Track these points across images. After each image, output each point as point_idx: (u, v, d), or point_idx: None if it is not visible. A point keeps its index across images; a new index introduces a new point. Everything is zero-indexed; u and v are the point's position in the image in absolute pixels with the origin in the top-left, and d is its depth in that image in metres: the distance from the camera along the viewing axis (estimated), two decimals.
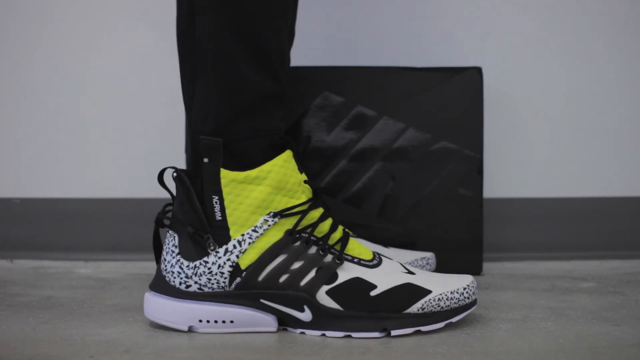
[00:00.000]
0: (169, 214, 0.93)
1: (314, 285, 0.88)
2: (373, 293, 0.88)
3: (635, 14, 1.37)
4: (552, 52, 1.37)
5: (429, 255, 1.16)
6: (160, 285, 0.91)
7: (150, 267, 1.28)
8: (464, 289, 0.90)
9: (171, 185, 1.15)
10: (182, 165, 1.24)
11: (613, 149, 1.38)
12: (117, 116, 1.37)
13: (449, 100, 1.22)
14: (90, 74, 1.37)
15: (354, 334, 0.88)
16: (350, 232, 1.16)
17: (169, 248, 0.91)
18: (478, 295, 1.08)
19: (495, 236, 1.33)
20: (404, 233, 1.22)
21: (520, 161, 1.37)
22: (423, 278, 0.91)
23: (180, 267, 0.90)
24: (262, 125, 0.90)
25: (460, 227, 1.23)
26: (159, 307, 0.91)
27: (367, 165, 1.22)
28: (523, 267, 1.30)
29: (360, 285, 0.88)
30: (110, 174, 1.37)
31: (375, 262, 0.91)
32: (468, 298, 0.91)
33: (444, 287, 0.90)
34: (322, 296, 0.88)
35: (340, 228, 0.92)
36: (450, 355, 0.82)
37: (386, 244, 1.18)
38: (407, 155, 1.22)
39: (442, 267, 1.20)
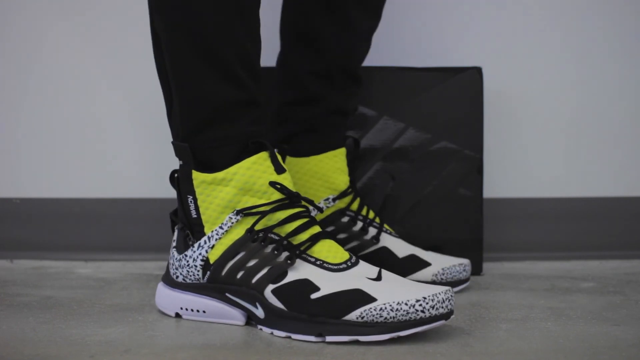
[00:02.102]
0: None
1: (263, 282, 0.89)
2: (314, 296, 0.87)
3: (636, 14, 1.37)
4: (552, 52, 1.37)
5: (465, 262, 1.12)
6: (165, 274, 0.99)
7: (150, 267, 1.28)
8: (417, 301, 0.84)
9: None
10: None
11: (613, 149, 1.38)
12: (117, 116, 1.37)
13: (449, 100, 1.22)
14: (90, 74, 1.37)
15: (293, 336, 0.88)
16: (392, 231, 1.14)
17: (172, 241, 0.98)
18: (478, 296, 1.08)
19: (495, 236, 1.33)
20: (404, 233, 1.22)
21: (520, 161, 1.37)
22: (381, 286, 0.87)
23: (173, 259, 0.97)
24: (227, 133, 0.92)
25: (460, 227, 1.23)
26: (158, 293, 0.99)
27: (367, 165, 1.22)
28: (523, 267, 1.30)
29: (303, 287, 0.88)
30: (111, 174, 1.37)
31: (343, 266, 0.90)
32: (422, 312, 0.84)
33: (393, 297, 0.84)
34: (269, 294, 0.89)
35: (312, 230, 0.92)
36: (450, 355, 0.82)
37: (427, 248, 1.17)
38: (407, 155, 1.22)
39: None
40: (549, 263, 1.33)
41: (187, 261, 0.94)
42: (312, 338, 0.86)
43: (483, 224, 1.24)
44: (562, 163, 1.38)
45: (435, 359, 0.81)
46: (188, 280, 0.95)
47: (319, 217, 1.10)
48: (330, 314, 0.86)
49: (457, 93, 1.23)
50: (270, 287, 0.89)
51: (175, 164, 1.18)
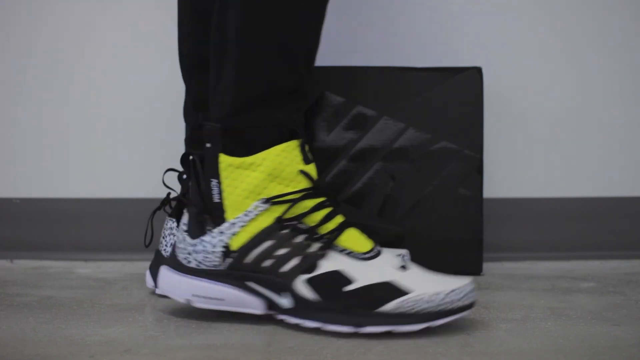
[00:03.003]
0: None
1: (293, 272, 0.90)
2: (349, 288, 0.88)
3: (635, 14, 1.37)
4: (552, 52, 1.37)
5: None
6: (172, 259, 0.96)
7: None
8: (447, 294, 0.87)
9: (172, 184, 1.15)
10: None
11: (613, 149, 1.38)
12: (118, 116, 1.37)
13: (449, 100, 1.22)
14: (90, 73, 1.37)
15: (325, 326, 0.88)
16: None
17: (181, 225, 0.96)
18: (478, 296, 1.08)
19: (495, 236, 1.33)
20: (404, 233, 1.22)
21: (520, 161, 1.37)
22: (410, 277, 0.89)
23: (185, 243, 0.94)
24: (271, 116, 0.93)
25: (460, 227, 1.23)
26: (165, 279, 0.96)
27: (367, 165, 1.22)
28: (523, 267, 1.30)
29: (337, 279, 0.89)
30: (111, 174, 1.37)
31: (370, 254, 0.91)
32: (452, 303, 0.87)
33: (426, 289, 0.87)
34: (300, 284, 0.89)
35: (337, 219, 0.93)
36: (450, 355, 0.82)
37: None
38: (407, 155, 1.22)
39: (442, 267, 1.20)
40: (549, 263, 1.33)
41: (205, 246, 0.92)
42: (347, 329, 0.87)
43: (483, 224, 1.24)
44: (562, 163, 1.38)
45: (436, 359, 0.81)
46: (203, 266, 0.93)
47: None
48: (365, 306, 0.87)
49: (457, 93, 1.23)
50: (303, 277, 0.89)
51: (174, 163, 1.19)
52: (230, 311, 0.93)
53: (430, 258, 1.21)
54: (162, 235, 1.10)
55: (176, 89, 1.22)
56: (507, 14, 1.37)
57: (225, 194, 0.92)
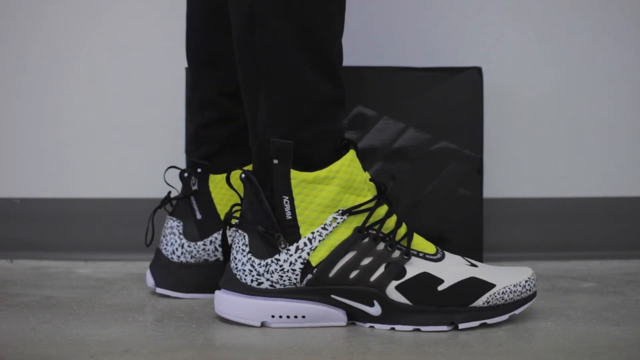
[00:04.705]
0: (237, 214, 0.95)
1: (384, 280, 0.90)
2: (440, 287, 0.90)
3: (634, 14, 1.37)
4: (552, 52, 1.37)
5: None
6: (231, 282, 0.93)
7: None
8: (526, 281, 0.93)
9: (173, 182, 1.15)
10: (182, 164, 1.24)
11: (613, 149, 1.37)
12: (118, 116, 1.37)
13: (449, 100, 1.22)
14: (90, 73, 1.37)
15: (422, 328, 0.90)
16: None
17: (239, 247, 0.93)
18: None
19: (495, 236, 1.33)
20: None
21: (520, 161, 1.37)
22: (486, 271, 0.93)
23: (251, 265, 0.92)
24: (327, 129, 0.93)
25: (460, 227, 1.23)
26: (230, 304, 0.93)
27: (367, 165, 1.22)
28: None
29: (428, 280, 0.91)
30: (111, 174, 1.37)
31: (439, 255, 0.94)
32: (529, 290, 0.93)
33: (507, 280, 0.92)
34: (392, 291, 0.90)
35: (404, 224, 0.94)
36: (450, 355, 0.82)
37: None
38: (407, 155, 1.22)
39: None
40: (549, 263, 1.33)
41: (281, 266, 0.91)
42: (444, 328, 0.90)
43: (483, 224, 1.24)
44: (562, 163, 1.38)
45: (436, 359, 0.81)
46: (278, 286, 0.91)
47: None
48: (458, 303, 0.90)
49: (457, 93, 1.23)
50: (394, 283, 0.90)
51: (174, 163, 1.18)
52: (310, 327, 0.92)
53: None
54: (163, 234, 1.10)
55: (176, 89, 1.22)
56: (507, 14, 1.37)
57: (298, 210, 0.91)
